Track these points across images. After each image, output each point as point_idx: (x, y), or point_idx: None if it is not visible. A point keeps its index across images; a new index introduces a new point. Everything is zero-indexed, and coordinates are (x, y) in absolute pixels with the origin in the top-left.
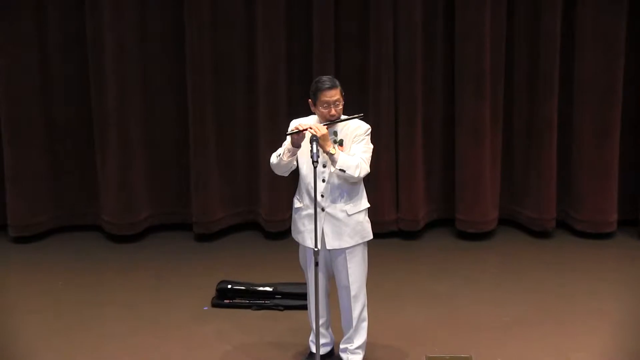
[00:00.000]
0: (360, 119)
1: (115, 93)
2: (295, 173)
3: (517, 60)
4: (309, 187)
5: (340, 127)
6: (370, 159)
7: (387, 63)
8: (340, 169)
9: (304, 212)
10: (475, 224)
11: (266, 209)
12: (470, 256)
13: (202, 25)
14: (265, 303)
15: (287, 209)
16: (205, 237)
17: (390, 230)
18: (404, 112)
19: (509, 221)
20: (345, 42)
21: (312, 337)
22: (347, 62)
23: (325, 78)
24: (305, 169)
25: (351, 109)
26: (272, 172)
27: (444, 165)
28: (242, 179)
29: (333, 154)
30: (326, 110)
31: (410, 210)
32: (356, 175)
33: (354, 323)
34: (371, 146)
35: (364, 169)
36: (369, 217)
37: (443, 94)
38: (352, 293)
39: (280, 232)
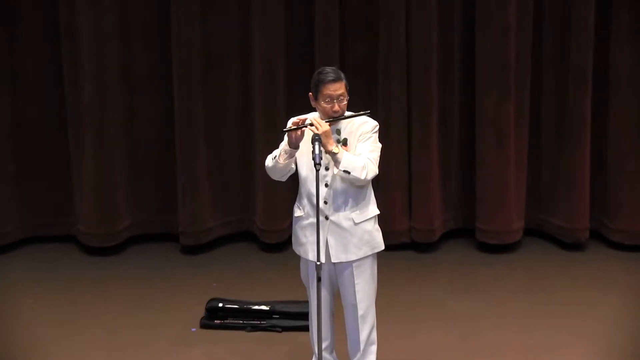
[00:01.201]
0: (367, 116)
1: (91, 89)
2: (295, 177)
3: (546, 52)
4: (310, 193)
5: (344, 125)
6: (378, 159)
7: (399, 54)
8: (344, 171)
9: (305, 222)
10: (497, 234)
11: (262, 217)
12: (493, 271)
13: (190, 13)
14: (261, 324)
15: (286, 217)
16: (193, 249)
17: (402, 242)
18: (418, 108)
19: (535, 231)
20: (351, 30)
21: None
22: (353, 53)
23: (328, 69)
24: (305, 172)
25: (357, 106)
26: (269, 176)
27: (463, 169)
28: (235, 183)
29: (336, 153)
30: (329, 106)
31: (424, 219)
32: (362, 177)
33: (362, 347)
34: (379, 145)
35: (372, 170)
36: (379, 225)
37: (462, 89)
38: (360, 312)
39: (278, 243)
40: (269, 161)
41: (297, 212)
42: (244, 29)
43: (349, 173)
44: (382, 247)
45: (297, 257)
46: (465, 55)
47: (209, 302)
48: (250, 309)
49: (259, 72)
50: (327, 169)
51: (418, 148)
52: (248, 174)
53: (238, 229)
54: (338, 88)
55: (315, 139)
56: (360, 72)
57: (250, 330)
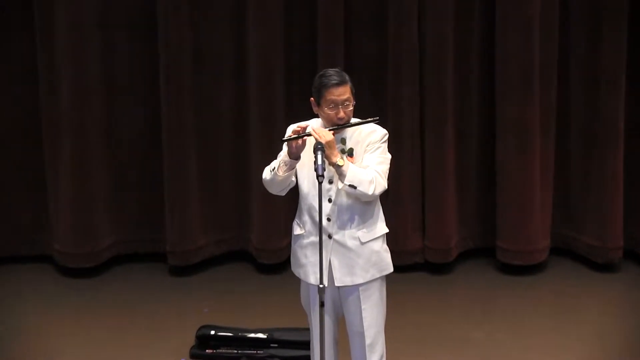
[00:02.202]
0: (375, 124)
1: (69, 92)
2: (296, 191)
3: (574, 50)
4: (312, 209)
5: (350, 133)
6: (387, 172)
7: (411, 54)
8: (350, 185)
9: (306, 241)
10: (521, 254)
11: (259, 235)
12: (515, 295)
13: (178, 9)
14: (257, 354)
15: (285, 235)
16: (182, 270)
17: (414, 262)
18: (432, 114)
19: (563, 250)
20: (358, 27)
21: None
22: (360, 53)
23: (332, 72)
24: (307, 186)
25: (364, 112)
26: (266, 190)
27: (482, 181)
28: (229, 198)
29: (341, 166)
30: (333, 112)
31: (439, 238)
32: (370, 193)
33: None
34: (389, 156)
35: (380, 184)
36: (387, 245)
37: (481, 92)
38: (368, 341)
39: (276, 264)
40: (266, 174)
41: (297, 230)
42: (237, 25)
43: (355, 188)
44: (391, 270)
45: (297, 280)
46: (484, 54)
47: (199, 329)
48: (246, 337)
49: (254, 74)
50: (330, 182)
51: (432, 158)
52: (243, 187)
53: (232, 248)
54: (343, 92)
55: (318, 147)
56: (368, 74)
57: None
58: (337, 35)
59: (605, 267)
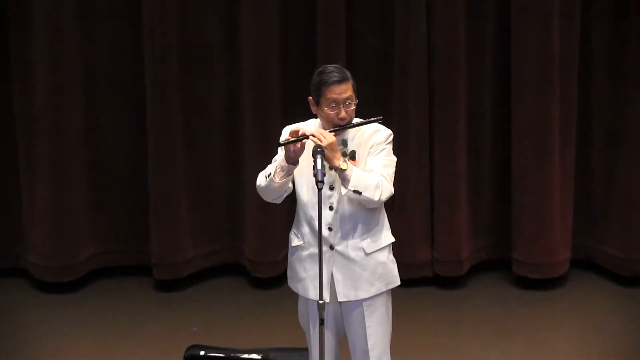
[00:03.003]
0: (379, 124)
1: (46, 91)
2: (292, 198)
3: (597, 45)
4: (312, 218)
5: (352, 135)
6: (393, 175)
7: (418, 49)
8: (354, 191)
9: (305, 252)
10: (539, 267)
11: (253, 246)
12: (533, 311)
13: (164, 1)
14: None
15: (282, 246)
16: (169, 285)
17: (422, 276)
18: (441, 114)
19: (585, 263)
20: (361, 21)
21: None
22: (363, 49)
23: (332, 68)
24: (306, 192)
25: (367, 112)
26: (261, 197)
27: (497, 187)
28: (220, 205)
29: (344, 170)
30: (333, 112)
31: (450, 248)
32: (377, 199)
33: None
34: (394, 158)
35: (387, 189)
36: (394, 256)
37: (495, 90)
38: None
39: (271, 278)
40: (261, 180)
41: (295, 241)
42: (229, 18)
43: (360, 193)
44: (398, 282)
45: (295, 295)
46: (499, 49)
47: (188, 350)
48: (239, 357)
49: (248, 71)
50: (332, 188)
51: (441, 162)
52: (236, 194)
53: (224, 260)
54: (344, 90)
55: (318, 150)
56: (371, 71)
57: None
58: (338, 28)
59: (631, 281)
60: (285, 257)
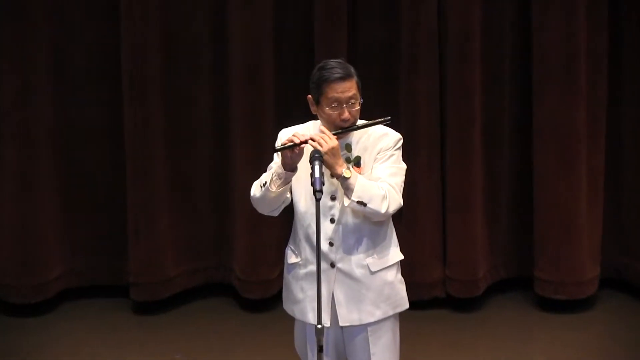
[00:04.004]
0: (386, 126)
1: (10, 90)
2: (289, 210)
3: (628, 38)
4: (311, 231)
5: (357, 138)
6: (402, 185)
7: (429, 42)
8: (358, 202)
9: (303, 271)
10: (564, 286)
11: (243, 264)
12: (558, 336)
13: None
14: None
15: (276, 264)
16: (149, 307)
17: (433, 297)
18: (455, 115)
19: (616, 282)
20: (364, 9)
21: None
22: (367, 41)
23: (334, 63)
24: (304, 204)
25: (372, 113)
26: (253, 207)
27: (516, 197)
28: (207, 218)
29: (347, 178)
30: (335, 112)
31: (464, 266)
32: (383, 211)
33: None
34: (404, 165)
35: (395, 200)
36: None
37: (514, 88)
38: None
39: (264, 299)
40: (256, 190)
41: (292, 258)
42: (217, 8)
43: (364, 205)
44: (407, 306)
45: (290, 319)
46: (518, 42)
47: None
48: None
49: (237, 67)
50: (333, 198)
51: (455, 169)
52: (224, 206)
53: (210, 279)
54: (347, 88)
55: (316, 156)
56: (376, 66)
57: None
58: (339, 18)
59: None
60: (280, 276)
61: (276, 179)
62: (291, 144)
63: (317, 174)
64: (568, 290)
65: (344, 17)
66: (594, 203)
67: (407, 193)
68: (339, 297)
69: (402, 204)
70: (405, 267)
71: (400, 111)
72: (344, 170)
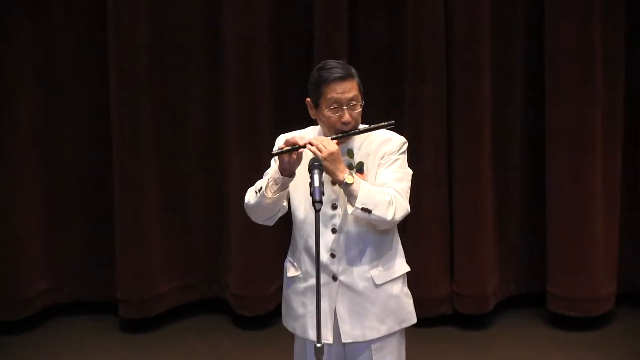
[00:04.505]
0: (390, 130)
1: None
2: (287, 219)
3: None
4: (311, 242)
5: (359, 143)
6: (409, 191)
7: (435, 42)
8: (363, 209)
9: (304, 285)
10: (579, 302)
11: (238, 278)
12: (572, 356)
13: None
14: None
15: (274, 278)
16: (138, 325)
17: (440, 314)
18: (462, 120)
19: (634, 298)
20: (366, 7)
21: None
22: (370, 42)
23: (334, 63)
24: (303, 212)
25: (374, 116)
26: (249, 217)
27: (528, 207)
28: (199, 230)
29: (350, 184)
30: (336, 115)
31: (472, 281)
32: (389, 218)
33: None
34: (409, 171)
35: (401, 206)
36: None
37: (525, 91)
38: None
39: (261, 317)
40: (250, 196)
41: (291, 271)
42: (210, 7)
43: (369, 212)
44: (414, 320)
45: (289, 336)
46: (530, 42)
47: None
48: None
49: (232, 67)
50: (334, 206)
51: (463, 176)
52: (217, 216)
53: (203, 295)
54: (348, 89)
55: (315, 165)
56: (379, 68)
57: None
58: (340, 17)
59: None
60: (278, 291)
61: (272, 184)
62: (288, 148)
63: (316, 184)
64: (583, 306)
65: (344, 16)
66: (610, 213)
67: (411, 202)
68: (342, 312)
69: (409, 210)
70: (410, 282)
71: (404, 117)
72: (346, 175)
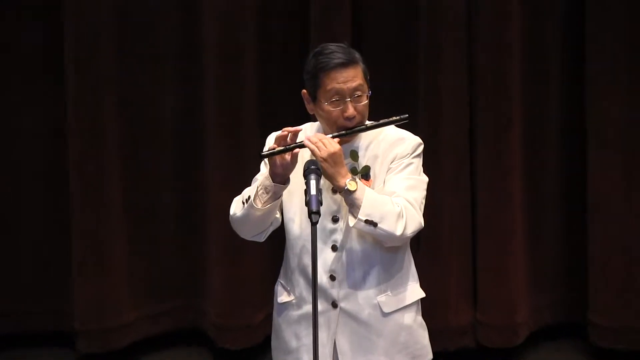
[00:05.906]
0: (402, 127)
1: None
2: (280, 235)
3: None
4: (306, 261)
5: (365, 144)
6: (423, 202)
7: (455, 27)
8: (367, 221)
9: (298, 312)
10: (626, 334)
11: (219, 304)
12: None
13: None
14: None
15: (263, 304)
16: None
17: (461, 347)
18: (488, 119)
19: None
20: None
21: None
22: (376, 25)
23: (334, 47)
24: (298, 225)
25: (382, 111)
26: (234, 232)
27: (566, 219)
28: (173, 246)
29: (353, 191)
30: (337, 109)
31: (500, 308)
32: (398, 233)
33: None
34: (424, 178)
35: (414, 219)
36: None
37: (562, 88)
38: None
39: (246, 350)
40: (236, 207)
41: (283, 296)
42: None
43: (374, 225)
44: (430, 356)
45: None
46: (568, 28)
47: None
48: None
49: (212, 59)
50: (335, 219)
51: (488, 185)
52: (194, 232)
53: (178, 325)
54: (351, 77)
55: (311, 168)
56: (388, 56)
57: None
58: (340, 3)
59: None
60: (267, 319)
61: (262, 192)
62: (281, 148)
63: (313, 191)
64: (631, 338)
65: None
66: None
67: (428, 215)
68: (343, 345)
69: (422, 224)
70: (425, 310)
71: (418, 114)
72: (348, 181)
